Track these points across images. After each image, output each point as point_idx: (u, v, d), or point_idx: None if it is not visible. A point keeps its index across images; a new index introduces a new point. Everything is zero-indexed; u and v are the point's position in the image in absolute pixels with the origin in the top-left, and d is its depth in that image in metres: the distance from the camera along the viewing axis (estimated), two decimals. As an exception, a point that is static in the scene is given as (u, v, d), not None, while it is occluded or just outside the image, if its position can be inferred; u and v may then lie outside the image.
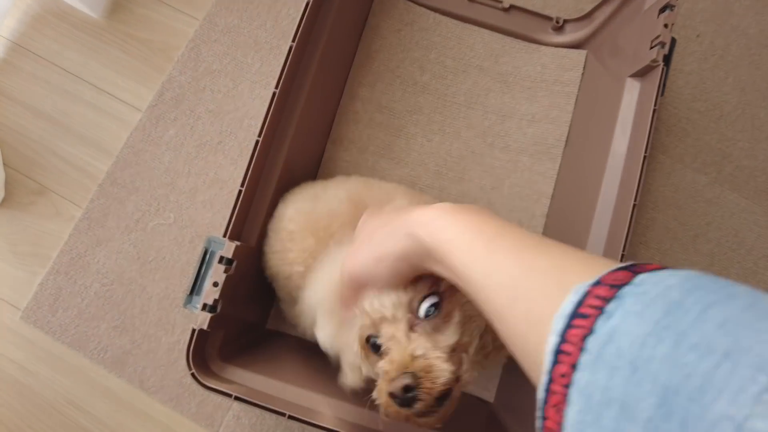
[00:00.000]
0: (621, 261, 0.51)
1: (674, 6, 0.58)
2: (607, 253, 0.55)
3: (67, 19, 0.81)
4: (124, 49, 0.81)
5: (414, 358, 0.34)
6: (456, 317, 0.36)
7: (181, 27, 0.81)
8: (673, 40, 0.62)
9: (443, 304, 0.36)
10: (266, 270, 0.60)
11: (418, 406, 0.33)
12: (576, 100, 0.74)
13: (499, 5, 0.76)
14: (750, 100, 0.82)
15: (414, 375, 0.33)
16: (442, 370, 0.34)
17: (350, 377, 0.43)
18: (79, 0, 0.76)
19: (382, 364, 0.36)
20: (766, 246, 0.79)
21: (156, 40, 0.81)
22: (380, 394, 0.35)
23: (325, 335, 0.43)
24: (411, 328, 0.36)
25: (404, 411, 0.34)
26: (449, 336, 0.36)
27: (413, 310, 0.36)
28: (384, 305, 0.35)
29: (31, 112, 0.79)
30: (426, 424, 0.35)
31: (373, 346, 0.38)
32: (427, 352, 0.34)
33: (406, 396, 0.33)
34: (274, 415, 0.70)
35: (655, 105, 0.56)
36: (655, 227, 0.78)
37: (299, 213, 0.56)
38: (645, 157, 0.55)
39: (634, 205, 0.54)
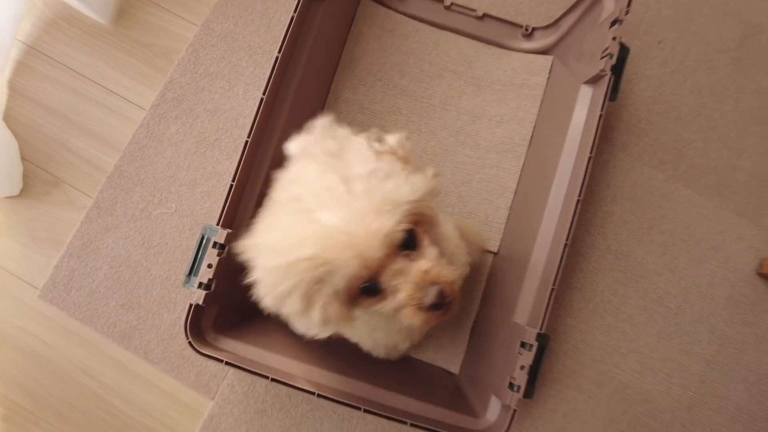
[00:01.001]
0: (564, 249, 0.59)
1: (622, 21, 0.65)
2: (555, 241, 0.62)
3: (77, 24, 0.88)
4: (129, 52, 0.88)
5: (425, 272, 0.41)
6: (426, 239, 0.43)
7: (181, 32, 0.88)
8: (627, 50, 0.68)
9: (416, 235, 0.42)
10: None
11: (451, 303, 0.41)
12: (541, 103, 0.81)
13: (473, 14, 0.83)
14: (706, 102, 0.89)
15: (436, 283, 0.40)
16: (450, 270, 0.42)
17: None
18: (88, 7, 0.83)
19: (401, 291, 0.41)
20: (714, 238, 0.86)
21: (158, 44, 0.88)
22: (413, 316, 0.41)
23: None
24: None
25: (439, 313, 0.41)
26: (431, 252, 0.43)
27: (394, 247, 0.41)
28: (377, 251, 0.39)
29: (45, 110, 0.86)
30: (451, 317, 0.42)
31: (366, 291, 0.41)
32: (432, 264, 0.41)
33: (440, 301, 0.40)
34: (263, 383, 0.79)
35: (602, 110, 0.63)
36: (612, 219, 0.85)
37: None
38: (590, 157, 0.62)
39: (578, 201, 0.61)
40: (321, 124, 0.46)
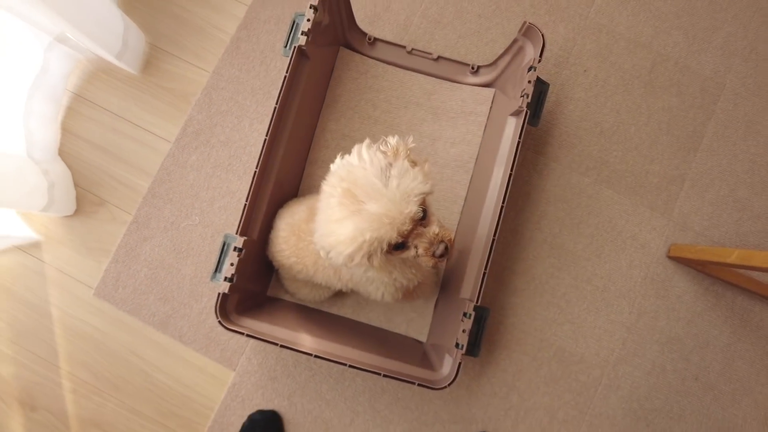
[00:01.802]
0: (492, 243, 0.80)
1: (536, 67, 0.85)
2: (488, 236, 0.83)
3: (114, 75, 1.09)
4: (156, 96, 1.09)
5: (435, 234, 0.64)
6: (432, 214, 0.66)
7: (197, 78, 1.09)
8: (546, 84, 0.89)
9: (426, 211, 0.65)
10: (274, 262, 0.89)
11: (449, 253, 0.65)
12: (484, 128, 1.02)
13: (431, 56, 1.03)
14: (623, 119, 1.09)
15: (442, 240, 0.64)
16: (449, 232, 0.66)
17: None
18: (123, 62, 1.04)
19: (419, 247, 0.64)
20: (632, 229, 1.07)
21: (179, 88, 1.09)
22: (428, 261, 0.65)
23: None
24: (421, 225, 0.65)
25: (442, 260, 0.65)
26: (436, 221, 0.66)
27: (415, 221, 0.64)
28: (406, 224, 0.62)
29: (90, 145, 1.08)
30: (447, 262, 0.67)
31: (396, 247, 0.63)
32: (438, 229, 0.65)
33: (444, 252, 0.64)
34: (274, 355, 1.00)
35: (519, 138, 0.84)
36: (547, 217, 1.06)
37: (287, 224, 0.85)
38: (510, 174, 0.82)
39: (502, 207, 0.82)
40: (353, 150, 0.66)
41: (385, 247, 0.61)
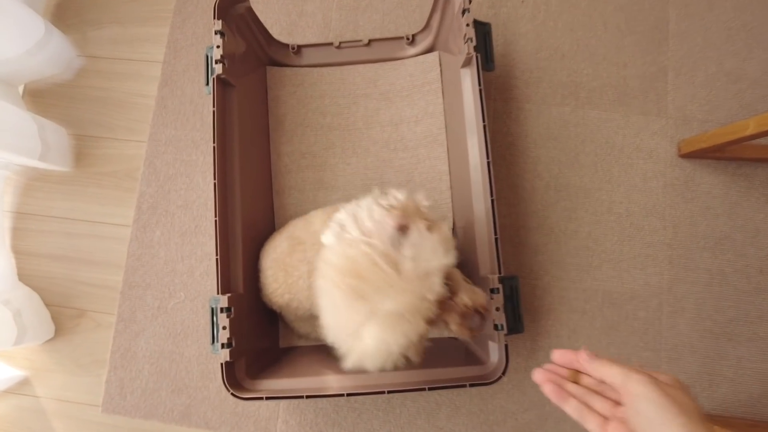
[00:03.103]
0: (492, 204, 0.71)
1: (469, 8, 0.78)
2: (485, 200, 0.74)
3: (48, 179, 1.01)
4: (99, 184, 1.01)
5: (466, 306, 0.55)
6: (457, 274, 0.57)
7: (135, 152, 1.02)
8: (487, 24, 0.81)
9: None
10: (273, 306, 0.80)
11: (486, 320, 0.56)
12: (443, 93, 0.94)
13: (361, 43, 0.96)
14: (580, 35, 1.01)
15: (476, 309, 0.56)
16: (481, 296, 0.57)
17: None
18: (50, 163, 0.97)
19: (450, 323, 0.55)
20: (633, 141, 0.98)
21: (119, 169, 1.01)
22: (462, 333, 0.56)
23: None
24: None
25: (476, 331, 0.56)
26: (463, 286, 0.57)
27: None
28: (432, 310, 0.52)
29: (50, 258, 0.99)
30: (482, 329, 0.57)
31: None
32: (468, 298, 0.55)
33: (481, 324, 0.56)
34: (311, 408, 0.90)
35: (479, 85, 0.76)
36: (541, 161, 0.97)
37: (272, 261, 0.76)
38: (484, 126, 0.74)
39: (488, 162, 0.73)
40: (341, 216, 0.55)
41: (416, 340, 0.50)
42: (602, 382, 0.44)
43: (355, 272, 0.48)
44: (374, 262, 0.48)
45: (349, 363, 0.50)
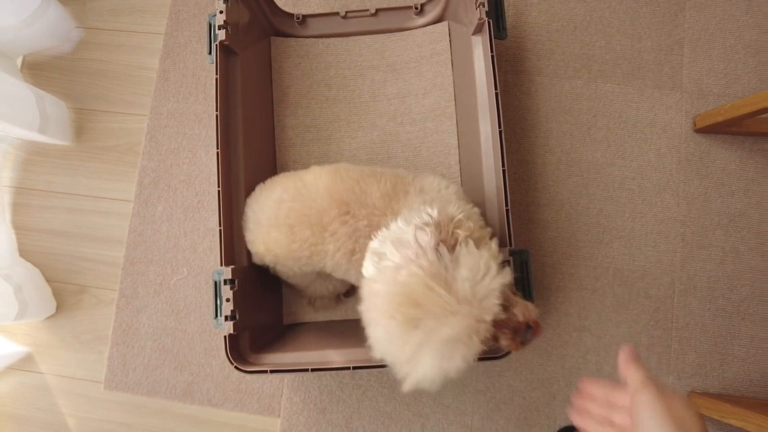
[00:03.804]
0: (504, 175, 0.68)
1: (479, -26, 0.75)
2: (497, 172, 0.71)
3: (48, 153, 0.99)
4: (100, 159, 0.99)
5: (519, 321, 0.52)
6: (508, 292, 0.53)
7: (136, 125, 0.99)
8: (500, -7, 0.78)
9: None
10: (265, 261, 0.73)
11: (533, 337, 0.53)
12: (452, 64, 0.91)
13: (368, 13, 0.93)
14: (593, 6, 0.98)
15: (529, 324, 0.52)
16: (533, 310, 0.53)
17: None
18: (50, 137, 0.95)
19: (501, 338, 0.52)
20: (646, 115, 0.95)
21: (120, 143, 0.99)
22: (512, 345, 0.53)
23: None
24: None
25: (527, 344, 0.53)
26: (515, 302, 0.53)
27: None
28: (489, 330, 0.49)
29: (51, 234, 0.98)
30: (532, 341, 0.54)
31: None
32: (521, 313, 0.52)
33: (532, 337, 0.53)
34: (315, 384, 0.89)
35: (492, 52, 0.73)
36: (553, 135, 0.95)
37: (292, 209, 0.68)
38: (497, 93, 0.72)
39: (500, 132, 0.70)
40: (375, 245, 0.54)
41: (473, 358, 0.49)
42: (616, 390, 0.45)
43: (411, 300, 0.47)
44: (428, 286, 0.46)
45: (406, 387, 0.49)
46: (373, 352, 0.52)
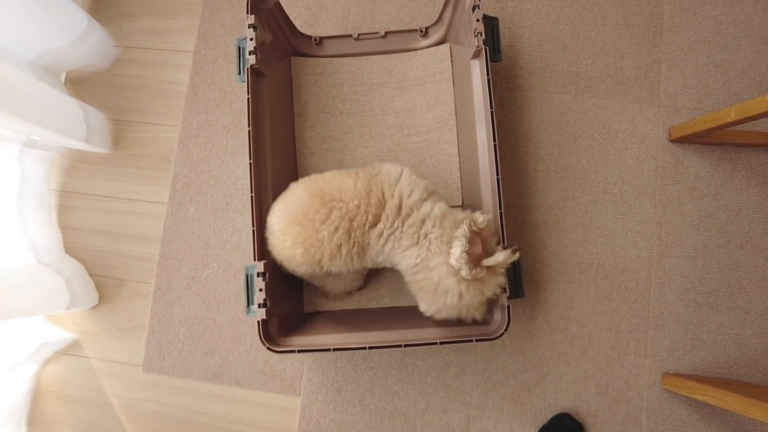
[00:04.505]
0: (498, 182, 0.80)
1: (479, 5, 0.86)
2: (492, 178, 0.82)
3: (90, 160, 1.10)
4: (136, 165, 1.10)
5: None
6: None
7: (168, 135, 1.10)
8: (495, 19, 0.89)
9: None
10: (276, 257, 0.82)
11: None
12: (453, 82, 1.02)
13: (378, 35, 1.04)
14: (580, 28, 1.09)
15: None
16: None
17: None
18: (92, 145, 1.06)
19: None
20: (627, 127, 1.06)
21: (154, 151, 1.10)
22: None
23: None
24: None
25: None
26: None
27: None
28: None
29: (92, 233, 1.09)
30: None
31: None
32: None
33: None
34: (332, 366, 1.00)
35: (488, 75, 0.84)
36: (543, 145, 1.06)
37: (280, 216, 0.79)
38: (492, 112, 0.83)
39: (495, 145, 0.82)
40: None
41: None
42: None
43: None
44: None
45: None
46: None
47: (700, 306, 1.00)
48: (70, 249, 1.08)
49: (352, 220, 0.75)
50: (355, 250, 0.77)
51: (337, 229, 0.75)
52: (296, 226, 0.77)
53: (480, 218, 0.74)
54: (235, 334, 1.03)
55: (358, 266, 0.80)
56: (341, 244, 0.76)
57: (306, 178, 0.83)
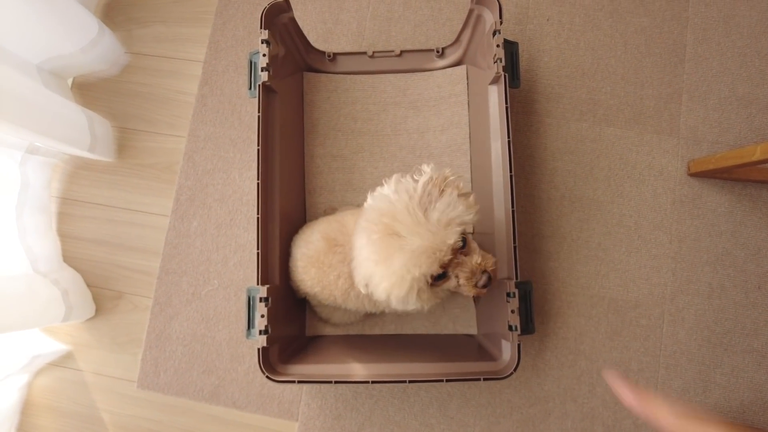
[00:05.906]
0: (513, 215, 0.77)
1: (500, 30, 0.83)
2: (506, 210, 0.80)
3: (93, 168, 1.08)
4: (140, 175, 1.08)
5: (477, 264, 0.62)
6: (472, 242, 0.65)
7: (175, 146, 1.08)
8: (515, 44, 0.87)
9: (467, 240, 0.64)
10: (298, 292, 0.86)
11: (491, 283, 0.63)
12: (468, 105, 0.99)
13: (393, 54, 1.01)
14: (600, 54, 1.07)
15: (485, 269, 0.63)
16: (491, 260, 0.64)
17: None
18: (96, 154, 1.03)
19: (460, 277, 0.62)
20: (645, 159, 1.03)
21: (160, 161, 1.08)
22: (470, 290, 0.63)
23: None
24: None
25: (484, 290, 0.63)
26: (477, 250, 0.65)
27: (455, 251, 0.62)
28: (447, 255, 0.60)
29: (92, 243, 1.06)
30: (485, 291, 0.64)
31: (437, 278, 0.62)
32: (480, 258, 0.63)
33: (487, 282, 0.63)
34: (331, 394, 0.97)
35: (506, 103, 0.81)
36: (558, 173, 1.03)
37: (303, 255, 0.82)
38: (509, 141, 0.80)
39: (511, 176, 0.79)
40: (380, 188, 0.66)
41: (430, 280, 0.61)
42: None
43: (392, 215, 0.59)
44: (409, 208, 0.59)
45: (378, 292, 0.61)
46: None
47: (714, 347, 0.97)
48: (68, 258, 1.06)
49: (348, 264, 0.73)
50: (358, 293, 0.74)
51: (339, 276, 0.74)
52: (312, 268, 0.79)
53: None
54: (234, 354, 1.00)
55: (373, 309, 0.78)
56: (347, 288, 0.74)
57: (327, 218, 0.86)
